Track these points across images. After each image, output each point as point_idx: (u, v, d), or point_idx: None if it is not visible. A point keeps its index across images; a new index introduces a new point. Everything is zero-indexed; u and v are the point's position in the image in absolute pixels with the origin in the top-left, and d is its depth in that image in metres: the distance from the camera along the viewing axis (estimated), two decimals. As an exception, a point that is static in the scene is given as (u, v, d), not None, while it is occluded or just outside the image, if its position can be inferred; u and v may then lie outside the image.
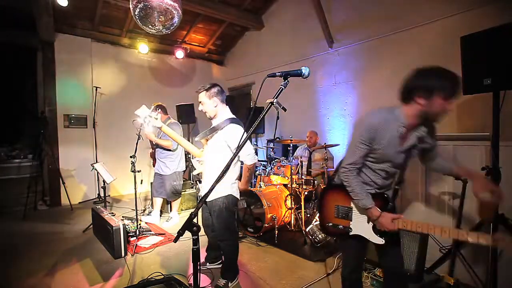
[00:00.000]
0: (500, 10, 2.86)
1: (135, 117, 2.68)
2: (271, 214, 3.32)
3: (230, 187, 2.23)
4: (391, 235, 1.50)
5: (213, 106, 2.20)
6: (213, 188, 1.21)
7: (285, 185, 3.86)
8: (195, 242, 1.17)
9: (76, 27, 5.19)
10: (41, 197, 5.00)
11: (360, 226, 1.58)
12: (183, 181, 4.17)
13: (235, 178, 2.29)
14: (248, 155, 2.18)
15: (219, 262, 2.64)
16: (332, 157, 4.17)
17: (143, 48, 5.59)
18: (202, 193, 2.38)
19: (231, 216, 2.29)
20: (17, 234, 3.62)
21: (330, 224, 1.68)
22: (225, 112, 2.26)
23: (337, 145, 3.94)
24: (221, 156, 2.17)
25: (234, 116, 2.26)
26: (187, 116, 5.73)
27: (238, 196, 2.31)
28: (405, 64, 4.01)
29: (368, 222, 1.55)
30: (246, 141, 1.31)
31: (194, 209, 1.21)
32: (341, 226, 1.64)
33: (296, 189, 3.57)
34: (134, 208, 3.23)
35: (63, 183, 4.80)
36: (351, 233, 1.60)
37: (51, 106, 4.93)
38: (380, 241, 1.52)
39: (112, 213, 3.52)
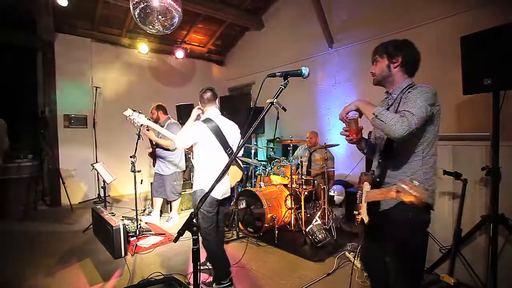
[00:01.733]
0: (500, 10, 2.86)
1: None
2: (271, 214, 3.32)
3: (204, 182, 2.21)
4: (374, 215, 1.45)
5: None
6: (213, 188, 1.21)
7: (285, 185, 3.86)
8: (195, 242, 1.17)
9: (76, 27, 5.19)
10: (41, 197, 5.00)
11: (363, 206, 1.52)
12: (183, 181, 4.18)
13: (211, 171, 2.21)
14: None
15: None
16: (332, 157, 4.17)
17: (143, 48, 5.59)
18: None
19: (202, 217, 2.20)
20: (17, 234, 3.62)
21: (356, 212, 1.59)
22: (209, 112, 2.40)
23: (337, 145, 3.94)
24: (195, 150, 2.34)
25: (210, 117, 2.33)
26: (187, 116, 5.61)
27: (216, 195, 2.20)
28: (405, 64, 4.05)
29: (365, 202, 1.51)
30: (245, 141, 1.31)
31: (194, 209, 1.21)
32: (356, 212, 1.57)
33: (296, 189, 3.57)
34: (134, 208, 3.23)
35: (63, 183, 4.80)
36: (359, 216, 1.53)
37: (51, 106, 4.94)
38: (366, 218, 1.45)
39: (112, 213, 3.52)
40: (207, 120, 2.29)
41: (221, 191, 2.27)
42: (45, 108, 4.88)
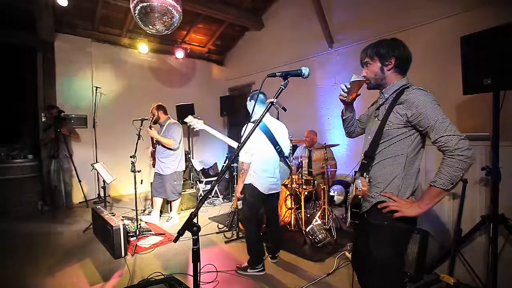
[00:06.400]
0: (500, 10, 2.86)
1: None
2: (271, 214, 3.32)
3: (251, 176, 2.49)
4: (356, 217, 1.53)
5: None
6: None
7: (285, 185, 3.86)
8: (195, 242, 1.17)
9: (76, 27, 5.18)
10: (41, 197, 4.99)
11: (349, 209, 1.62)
12: (183, 181, 4.17)
13: (257, 167, 2.48)
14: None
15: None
16: (332, 156, 4.17)
17: (143, 48, 5.59)
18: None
19: (247, 206, 2.58)
20: (17, 234, 3.62)
21: (345, 215, 1.72)
22: (259, 113, 2.53)
23: (337, 145, 3.94)
24: None
25: (257, 118, 2.45)
26: (187, 116, 5.71)
27: (260, 187, 2.47)
28: (405, 64, 4.06)
29: (349, 203, 1.58)
30: (245, 141, 1.31)
31: (194, 209, 1.20)
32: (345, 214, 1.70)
33: (296, 189, 3.57)
34: (134, 208, 3.24)
35: (80, 181, 4.80)
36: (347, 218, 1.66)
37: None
38: (348, 220, 1.57)
39: (112, 213, 3.51)
40: (256, 121, 2.47)
41: (267, 186, 2.52)
42: (45, 108, 4.86)
